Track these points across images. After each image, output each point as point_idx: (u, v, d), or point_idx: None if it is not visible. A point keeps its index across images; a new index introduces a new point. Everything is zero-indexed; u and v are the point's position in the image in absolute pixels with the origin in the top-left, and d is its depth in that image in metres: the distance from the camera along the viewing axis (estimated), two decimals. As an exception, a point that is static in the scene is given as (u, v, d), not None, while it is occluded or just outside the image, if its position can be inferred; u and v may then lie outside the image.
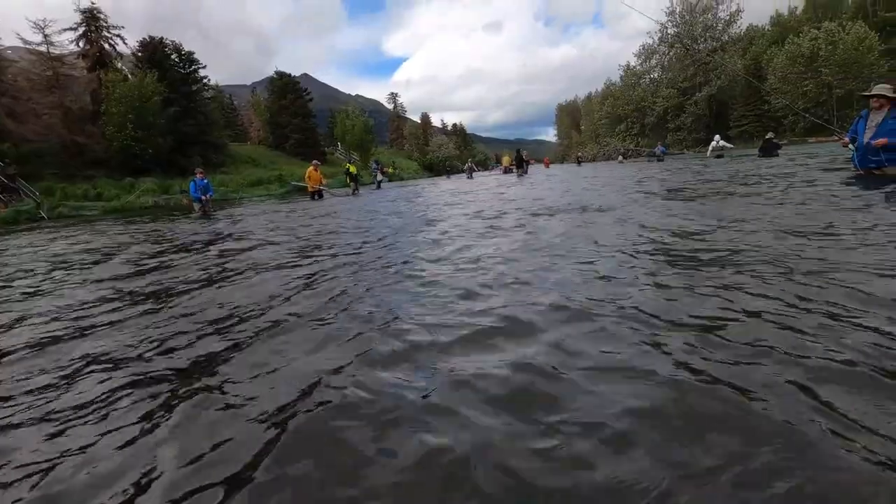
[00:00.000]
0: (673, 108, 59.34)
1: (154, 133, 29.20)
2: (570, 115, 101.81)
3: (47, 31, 30.74)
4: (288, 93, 49.51)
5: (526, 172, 24.71)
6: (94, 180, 26.76)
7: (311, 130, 50.26)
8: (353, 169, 19.96)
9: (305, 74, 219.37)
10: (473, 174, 32.82)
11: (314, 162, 17.17)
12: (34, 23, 30.38)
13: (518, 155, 25.68)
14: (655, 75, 65.43)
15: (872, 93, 5.45)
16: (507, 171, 30.39)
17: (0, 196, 21.69)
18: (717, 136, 22.39)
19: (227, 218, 10.34)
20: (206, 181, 12.30)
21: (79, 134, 29.29)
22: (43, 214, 19.87)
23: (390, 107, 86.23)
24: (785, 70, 44.57)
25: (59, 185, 24.53)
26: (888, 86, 5.48)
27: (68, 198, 23.42)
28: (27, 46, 30.67)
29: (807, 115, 20.87)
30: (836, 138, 14.69)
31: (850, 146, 5.86)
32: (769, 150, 16.56)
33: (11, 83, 29.33)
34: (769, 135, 17.56)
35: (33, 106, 28.89)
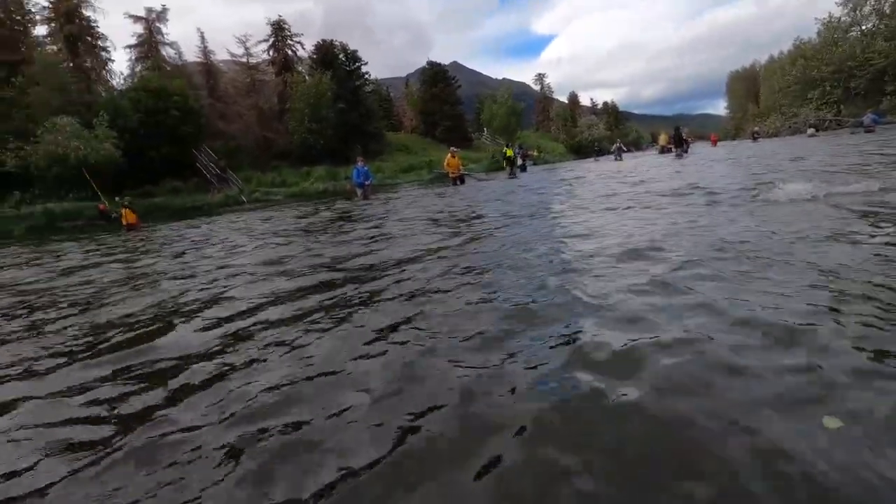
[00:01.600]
0: (892, 66, 47.24)
1: (326, 126, 33.02)
2: (745, 84, 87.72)
3: (248, 44, 36.87)
4: (438, 82, 51.64)
5: (686, 152, 22.03)
6: (279, 170, 31.45)
7: (458, 117, 51.87)
8: (509, 153, 20.35)
9: (455, 62, 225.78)
10: (623, 155, 30.83)
11: (451, 149, 17.40)
12: (238, 38, 36.64)
13: (677, 132, 23.02)
14: (869, 26, 52.67)
15: None
16: (664, 150, 27.43)
17: (216, 185, 26.81)
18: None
19: (384, 202, 11.30)
20: (366, 168, 13.56)
21: (269, 130, 34.64)
22: (244, 199, 24.03)
23: (537, 88, 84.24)
24: None
25: (254, 174, 29.39)
26: None
27: (261, 185, 27.91)
28: (233, 59, 37.15)
29: None
30: None
31: None
32: None
33: (223, 91, 35.88)
34: None
35: (237, 108, 34.89)
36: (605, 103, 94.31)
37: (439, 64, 53.90)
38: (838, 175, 5.71)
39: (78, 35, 29.86)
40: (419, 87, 55.67)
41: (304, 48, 39.62)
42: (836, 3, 54.38)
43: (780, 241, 2.69)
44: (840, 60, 53.59)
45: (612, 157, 30.97)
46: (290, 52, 39.41)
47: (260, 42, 38.07)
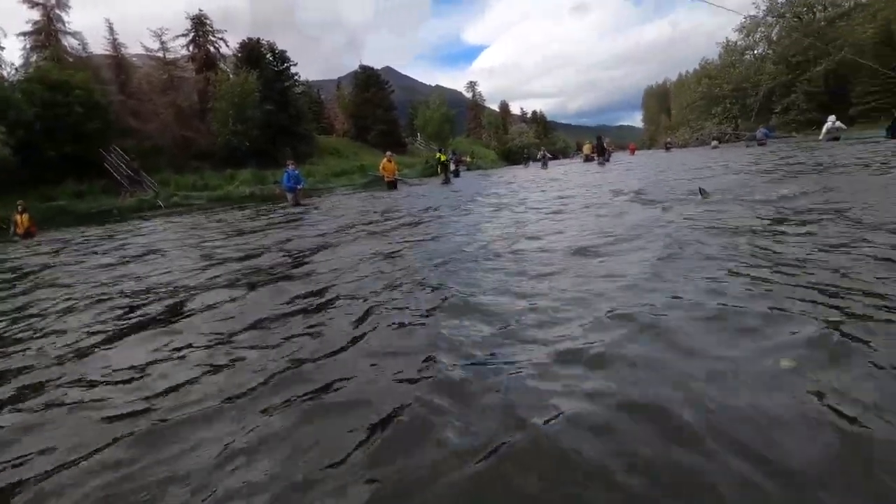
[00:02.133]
0: (780, 87, 53.28)
1: (251, 126, 31.54)
2: (658, 99, 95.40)
3: (164, 39, 34.43)
4: (371, 86, 51.13)
5: (608, 160, 23.46)
6: (200, 172, 29.59)
7: (392, 122, 51.66)
8: (443, 158, 20.35)
9: (388, 67, 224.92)
10: (548, 162, 31.80)
11: (387, 153, 17.37)
12: (154, 32, 34.12)
13: (599, 142, 24.46)
14: (760, 50, 59.09)
15: None
16: (587, 159, 28.97)
17: (127, 187, 24.72)
18: (831, 117, 19.78)
19: (315, 206, 11.01)
20: (297, 172, 13.09)
21: (188, 130, 32.46)
22: (160, 203, 22.34)
23: (469, 96, 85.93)
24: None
25: (172, 176, 27.44)
26: None
27: (180, 188, 26.11)
28: (148, 53, 34.53)
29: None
30: None
31: None
32: (900, 129, 14.41)
33: (136, 87, 33.21)
34: (900, 112, 15.25)
35: (153, 106, 32.40)
36: (535, 112, 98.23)
37: (372, 68, 53.44)
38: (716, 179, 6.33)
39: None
40: (351, 90, 54.84)
41: (227, 45, 37.71)
42: (733, 29, 60.29)
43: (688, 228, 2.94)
44: (737, 81, 59.64)
45: (539, 164, 31.98)
46: (212, 48, 37.31)
47: (178, 37, 35.70)
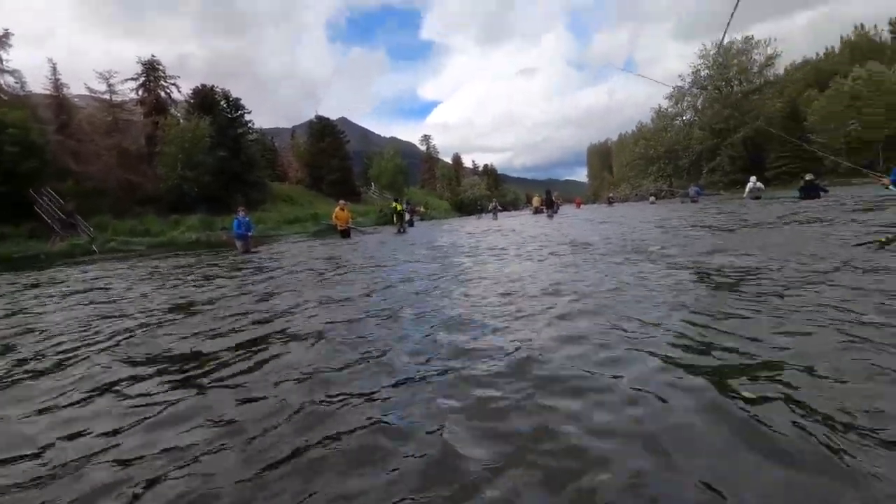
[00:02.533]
0: (707, 150, 58.68)
1: (202, 172, 30.84)
2: (601, 157, 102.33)
3: (111, 81, 33.67)
4: (326, 135, 51.77)
5: (556, 213, 24.59)
6: (142, 217, 28.31)
7: (346, 171, 52.11)
8: (399, 208, 20.06)
9: (343, 118, 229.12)
10: (498, 214, 31.80)
11: (340, 202, 17.25)
12: (100, 73, 33.34)
13: (548, 196, 25.54)
14: (688, 117, 65.27)
15: None
16: (537, 211, 30.15)
17: (59, 231, 23.18)
18: (752, 178, 21.89)
19: (267, 254, 10.74)
20: (248, 219, 12.79)
21: (133, 173, 31.24)
22: (95, 248, 21.03)
23: (423, 148, 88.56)
24: (825, 110, 43.74)
25: (111, 220, 26.06)
26: None
27: (118, 233, 24.77)
28: (92, 94, 33.51)
29: (838, 160, 20.17)
30: (876, 179, 14.12)
31: (892, 188, 5.67)
32: (809, 192, 16.07)
33: (77, 127, 31.92)
34: (808, 176, 17.07)
35: (95, 148, 31.11)
36: (486, 166, 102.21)
37: (327, 118, 54.31)
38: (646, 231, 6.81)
39: None
40: (307, 139, 55.24)
41: (180, 91, 37.34)
42: (663, 97, 66.47)
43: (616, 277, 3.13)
44: (669, 143, 65.22)
45: (490, 216, 31.90)
46: (163, 93, 36.82)
47: (127, 80, 35.05)
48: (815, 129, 45.46)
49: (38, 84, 31.72)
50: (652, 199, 43.04)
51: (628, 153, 79.16)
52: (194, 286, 5.70)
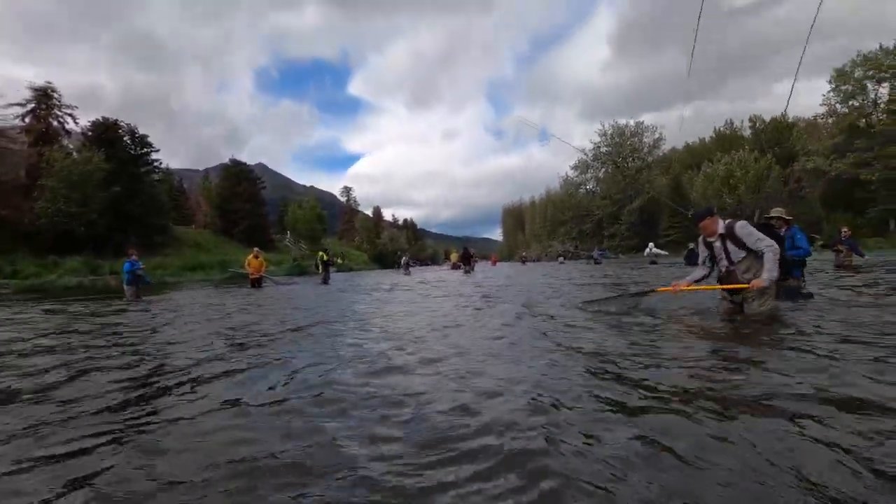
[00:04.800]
0: (608, 216, 64.62)
1: (89, 210, 27.99)
2: (514, 217, 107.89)
3: (-8, 104, 30.17)
4: (242, 180, 49.77)
5: (472, 269, 25.01)
6: (12, 256, 24.78)
7: (261, 217, 50.04)
8: (325, 257, 18.65)
9: (261, 163, 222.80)
10: (410, 269, 30.10)
11: (255, 250, 16.43)
12: (-23, 95, 29.81)
13: (465, 252, 25.99)
14: (591, 186, 71.97)
15: (771, 215, 6.14)
16: (454, 267, 30.53)
17: None
18: (650, 244, 24.32)
19: (158, 303, 9.74)
20: (139, 264, 11.62)
21: (4, 207, 27.52)
22: (-57, 291, 17.83)
23: (344, 199, 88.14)
24: (703, 187, 50.25)
25: (-30, 259, 22.49)
26: (781, 209, 6.23)
27: (-22, 274, 21.37)
28: (-35, 117, 29.72)
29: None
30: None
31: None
32: (692, 259, 18.16)
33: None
34: (691, 245, 19.30)
35: (-42, 176, 27.19)
36: (406, 220, 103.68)
37: (243, 163, 52.48)
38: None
39: None
40: (219, 182, 52.70)
41: (76, 122, 34.25)
42: (570, 167, 73.13)
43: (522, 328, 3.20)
44: (574, 209, 71.03)
45: (402, 270, 29.74)
46: (56, 122, 33.57)
47: (13, 105, 31.60)
48: (697, 203, 52.01)
49: None
50: (561, 259, 45.85)
51: (539, 216, 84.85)
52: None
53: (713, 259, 4.53)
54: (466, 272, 23.34)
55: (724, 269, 4.34)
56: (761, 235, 4.06)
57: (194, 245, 38.77)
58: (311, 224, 51.56)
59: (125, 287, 11.36)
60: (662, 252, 25.19)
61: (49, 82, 33.22)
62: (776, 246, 3.97)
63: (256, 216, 48.85)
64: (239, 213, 47.49)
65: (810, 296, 5.24)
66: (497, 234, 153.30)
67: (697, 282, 4.70)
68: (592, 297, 6.43)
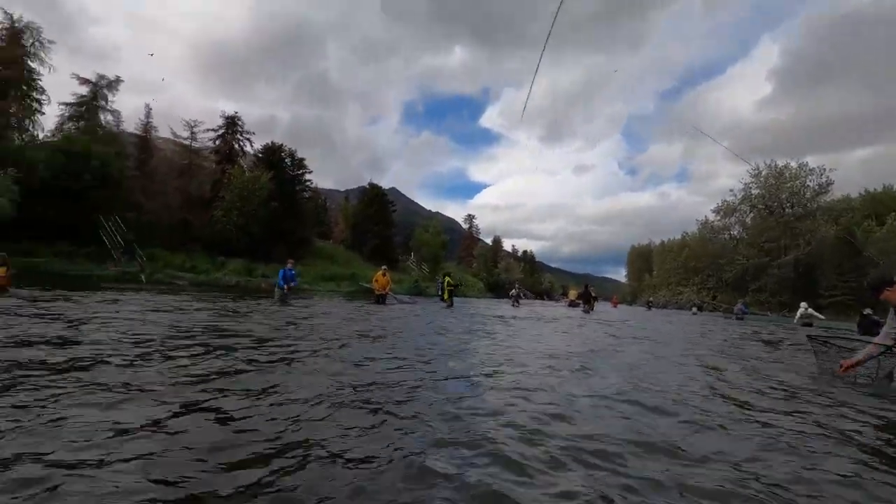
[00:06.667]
0: (753, 268, 56.99)
1: (253, 222, 32.48)
2: (642, 259, 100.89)
3: (195, 130, 37.11)
4: (375, 203, 53.92)
5: (593, 309, 23.81)
6: (191, 253, 29.67)
7: (388, 238, 53.47)
8: (452, 281, 18.75)
9: (394, 188, 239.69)
10: (520, 302, 28.09)
11: (383, 267, 17.26)
12: (186, 122, 36.88)
13: (586, 290, 24.89)
14: (735, 233, 64.42)
15: None
16: (572, 304, 29.40)
17: (116, 257, 24.58)
18: (803, 304, 20.92)
19: (303, 305, 10.86)
20: (293, 272, 13.18)
21: (191, 214, 33.27)
22: (143, 278, 21.95)
23: (466, 226, 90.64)
24: (886, 244, 42.18)
25: (162, 253, 27.48)
26: None
27: (168, 265, 25.98)
28: (175, 139, 36.86)
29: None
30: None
31: None
32: (868, 328, 15.04)
33: (153, 167, 34.80)
34: (866, 311, 16.06)
35: (162, 186, 33.56)
36: (525, 252, 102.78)
37: (380, 187, 56.89)
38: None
39: (12, 82, 28.47)
40: (357, 203, 57.64)
41: (252, 145, 40.43)
42: (711, 210, 66.31)
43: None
44: (713, 256, 63.91)
45: (510, 302, 27.34)
46: (237, 145, 39.95)
47: (208, 130, 38.45)
48: (875, 262, 43.73)
49: (130, 124, 35.37)
50: (694, 309, 41.56)
51: (670, 260, 78.06)
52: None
53: None
54: (586, 311, 22.33)
55: None
56: None
57: (329, 257, 42.66)
58: (435, 249, 53.66)
59: (276, 289, 12.90)
60: (818, 315, 21.56)
61: (236, 112, 39.90)
62: None
63: (383, 236, 52.33)
64: (369, 233, 51.34)
65: None
66: (619, 275, 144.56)
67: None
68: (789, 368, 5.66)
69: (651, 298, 56.61)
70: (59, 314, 6.22)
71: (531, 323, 11.27)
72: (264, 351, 4.31)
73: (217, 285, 24.05)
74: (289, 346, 4.76)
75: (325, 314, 9.54)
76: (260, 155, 39.13)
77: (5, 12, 29.06)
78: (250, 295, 16.33)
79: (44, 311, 6.43)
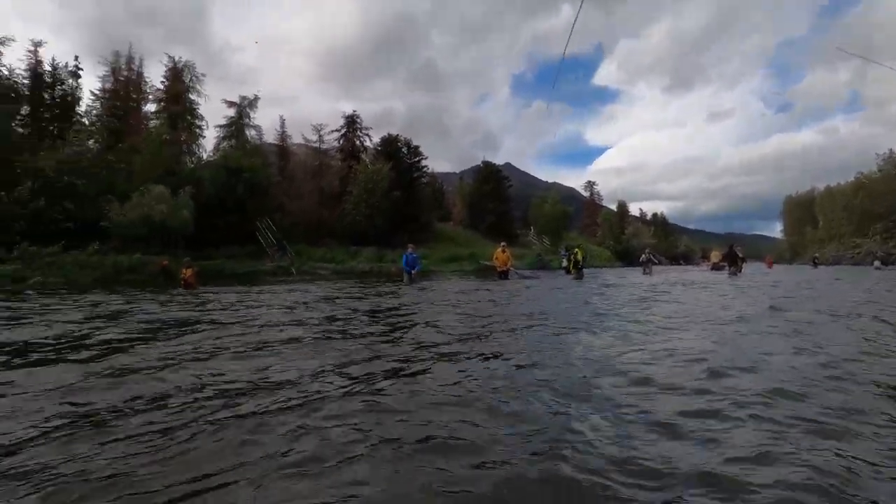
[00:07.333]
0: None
1: (378, 211, 34.84)
2: (802, 209, 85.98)
3: (322, 133, 40.80)
4: (490, 180, 54.04)
5: (741, 271, 21.17)
6: (329, 247, 32.92)
7: (506, 214, 53.34)
8: (581, 255, 18.40)
9: (508, 163, 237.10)
10: (652, 267, 26.01)
11: (502, 243, 17.01)
12: (314, 126, 40.65)
13: (731, 251, 22.19)
14: (933, 164, 52.02)
15: None
16: (715, 267, 26.53)
17: (272, 254, 28.34)
18: None
19: (432, 289, 11.43)
20: (415, 255, 13.94)
21: (326, 210, 36.82)
22: (293, 270, 25.03)
23: (587, 194, 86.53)
24: None
25: (306, 248, 30.95)
26: None
27: (311, 259, 29.20)
28: (306, 143, 40.92)
29: None
30: None
31: None
32: None
33: (291, 171, 39.09)
34: None
35: (301, 189, 37.59)
36: (655, 214, 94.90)
37: (494, 164, 56.80)
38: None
39: (180, 115, 34.13)
40: (472, 183, 58.35)
41: (370, 139, 43.14)
42: (896, 140, 54.22)
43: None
44: (902, 196, 52.50)
45: (641, 269, 25.43)
46: (358, 142, 42.94)
47: (333, 131, 41.91)
48: None
49: (269, 135, 40.07)
50: (877, 263, 34.82)
51: (840, 207, 65.76)
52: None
53: None
54: (732, 273, 20.04)
55: None
56: None
57: (449, 239, 44.03)
58: (556, 220, 52.23)
59: (403, 273, 13.78)
60: None
61: (354, 110, 42.86)
62: None
63: (501, 213, 52.32)
64: (486, 210, 51.74)
65: None
66: (774, 231, 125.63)
67: None
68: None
69: (817, 255, 48.43)
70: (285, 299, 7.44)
71: (681, 290, 10.42)
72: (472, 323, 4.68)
73: (353, 272, 26.41)
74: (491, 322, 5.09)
75: (461, 292, 9.90)
76: (379, 148, 41.55)
77: (168, 56, 34.78)
78: (387, 278, 17.69)
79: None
